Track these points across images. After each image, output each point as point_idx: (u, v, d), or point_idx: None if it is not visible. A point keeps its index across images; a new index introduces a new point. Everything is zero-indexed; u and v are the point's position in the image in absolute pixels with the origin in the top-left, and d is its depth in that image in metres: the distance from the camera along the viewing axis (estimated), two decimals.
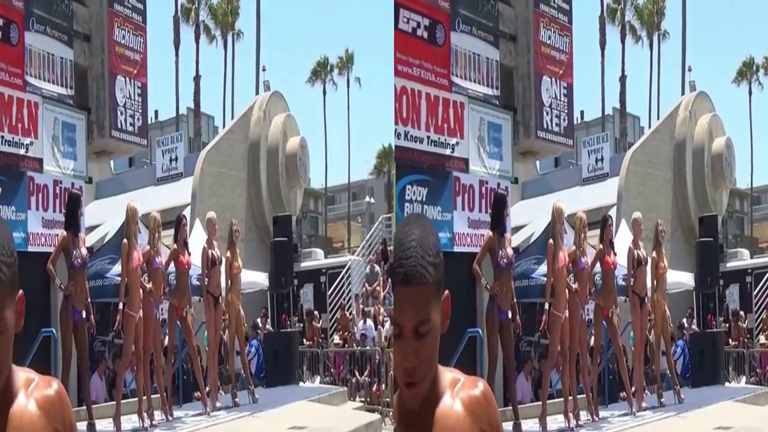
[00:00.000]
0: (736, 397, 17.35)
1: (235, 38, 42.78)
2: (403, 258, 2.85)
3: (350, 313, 24.71)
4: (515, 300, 13.63)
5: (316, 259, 26.73)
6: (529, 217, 17.94)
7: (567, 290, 14.40)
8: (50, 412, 3.00)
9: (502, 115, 16.11)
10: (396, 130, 14.07)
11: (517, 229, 17.03)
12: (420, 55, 14.67)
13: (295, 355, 20.50)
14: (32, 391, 3.00)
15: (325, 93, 50.87)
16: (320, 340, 23.77)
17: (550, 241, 14.37)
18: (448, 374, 3.07)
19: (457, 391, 3.03)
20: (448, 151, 15.06)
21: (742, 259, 25.06)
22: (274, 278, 19.57)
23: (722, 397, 17.18)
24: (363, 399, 21.40)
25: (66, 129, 16.30)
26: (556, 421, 14.64)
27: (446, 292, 2.93)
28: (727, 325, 22.03)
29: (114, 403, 14.60)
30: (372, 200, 62.70)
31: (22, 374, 3.03)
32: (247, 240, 20.95)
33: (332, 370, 22.90)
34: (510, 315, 13.46)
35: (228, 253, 16.66)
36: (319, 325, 23.98)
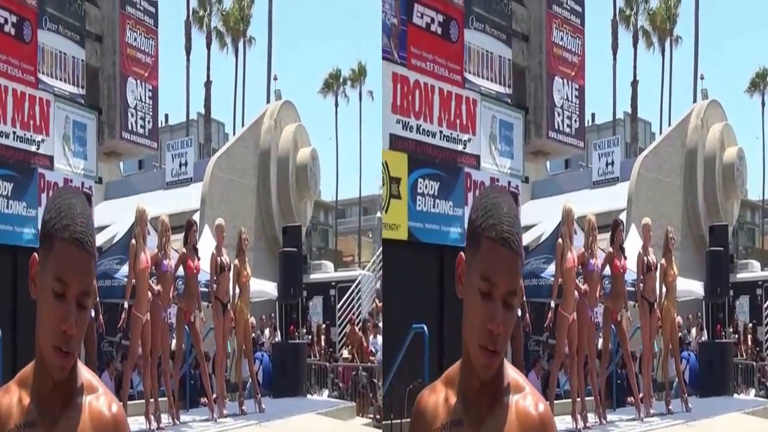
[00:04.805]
0: (745, 408, 17.18)
1: (246, 46, 42.80)
2: (504, 222, 2.58)
3: (359, 330, 24.57)
4: (524, 298, 13.58)
5: (326, 271, 26.64)
6: (538, 217, 17.93)
7: (576, 291, 14.37)
8: None
9: (513, 114, 16.16)
10: (403, 121, 14.14)
11: (526, 229, 17.00)
12: (433, 50, 14.74)
13: (303, 367, 20.31)
14: (92, 401, 2.64)
15: (337, 105, 50.67)
16: (329, 352, 23.64)
17: (559, 240, 14.32)
18: (511, 371, 2.73)
19: (518, 400, 2.66)
20: (460, 147, 15.10)
21: (752, 270, 24.91)
22: (282, 289, 19.48)
23: (731, 408, 17.05)
24: (372, 416, 21.19)
25: (77, 128, 16.37)
26: (563, 421, 14.55)
27: None
28: (737, 336, 21.91)
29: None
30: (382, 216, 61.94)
31: (85, 374, 2.69)
32: (256, 249, 20.88)
33: (341, 385, 22.75)
34: (519, 313, 13.42)
35: (237, 261, 16.54)
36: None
